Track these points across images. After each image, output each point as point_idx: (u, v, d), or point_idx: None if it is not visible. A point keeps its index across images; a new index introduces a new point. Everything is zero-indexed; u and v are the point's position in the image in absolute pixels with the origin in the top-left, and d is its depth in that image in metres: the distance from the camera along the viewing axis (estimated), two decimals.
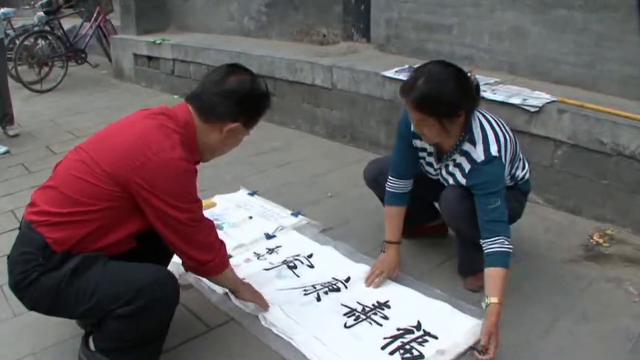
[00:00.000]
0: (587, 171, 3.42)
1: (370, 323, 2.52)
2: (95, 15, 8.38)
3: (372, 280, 2.80)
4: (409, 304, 2.64)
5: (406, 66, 4.50)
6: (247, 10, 6.81)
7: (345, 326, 2.50)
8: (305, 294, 2.73)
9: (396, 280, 2.83)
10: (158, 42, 7.11)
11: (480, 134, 2.49)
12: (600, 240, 3.20)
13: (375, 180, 3.03)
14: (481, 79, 4.04)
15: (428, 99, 2.33)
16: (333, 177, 4.23)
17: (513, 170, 2.69)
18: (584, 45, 3.78)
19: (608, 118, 3.28)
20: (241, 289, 2.55)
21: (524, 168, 2.78)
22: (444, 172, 2.67)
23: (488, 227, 2.40)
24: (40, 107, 6.91)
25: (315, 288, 2.77)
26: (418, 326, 2.48)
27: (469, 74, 2.48)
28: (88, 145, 2.15)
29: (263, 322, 2.53)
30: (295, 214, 3.59)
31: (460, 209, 2.57)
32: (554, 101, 3.53)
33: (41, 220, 2.03)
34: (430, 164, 2.75)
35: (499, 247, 2.36)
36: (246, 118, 2.21)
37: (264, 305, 2.58)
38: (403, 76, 4.26)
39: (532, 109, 3.52)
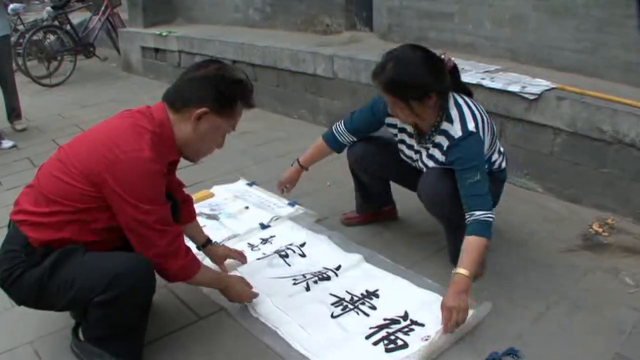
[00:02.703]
0: (587, 159, 3.36)
1: (358, 313, 2.50)
2: (103, 8, 8.43)
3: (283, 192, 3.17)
4: (398, 294, 2.61)
5: None
6: (251, 1, 6.81)
7: (332, 316, 2.48)
8: (294, 284, 2.71)
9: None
10: (164, 34, 7.12)
11: (457, 113, 2.52)
12: (600, 230, 3.14)
13: (357, 167, 3.08)
14: (482, 66, 4.04)
15: (396, 83, 2.41)
16: (333, 166, 4.17)
17: (490, 153, 2.68)
18: (585, 31, 3.71)
19: (608, 105, 3.21)
20: (226, 288, 2.49)
21: (500, 154, 2.79)
22: (424, 156, 2.70)
23: (468, 202, 2.43)
24: (48, 101, 6.97)
25: (305, 277, 2.75)
26: (405, 316, 2.46)
27: (442, 56, 2.55)
28: (68, 144, 2.18)
29: (251, 312, 2.52)
30: (291, 204, 3.57)
31: (439, 192, 2.59)
32: (553, 88, 3.47)
33: (22, 219, 2.09)
34: (410, 147, 2.78)
35: (478, 217, 2.39)
36: (214, 103, 2.16)
37: (251, 298, 2.55)
38: None
39: (531, 97, 3.46)
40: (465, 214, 2.42)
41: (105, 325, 2.11)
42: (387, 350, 2.28)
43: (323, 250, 2.98)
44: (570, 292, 2.62)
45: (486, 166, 2.60)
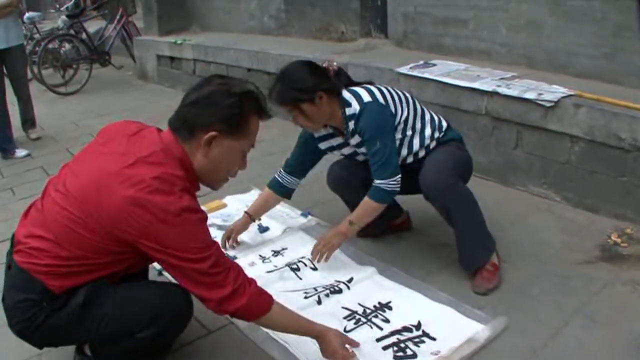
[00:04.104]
0: (605, 168, 3.28)
1: (371, 327, 2.45)
2: (118, 17, 8.48)
3: (227, 242, 3.17)
4: (411, 307, 2.56)
5: (421, 62, 4.41)
6: (266, 9, 6.80)
7: (345, 330, 2.42)
8: (305, 297, 2.67)
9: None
10: (179, 42, 7.14)
11: (351, 95, 2.70)
12: (618, 240, 3.06)
13: (339, 190, 3.18)
14: (498, 73, 3.98)
15: (283, 93, 2.62)
16: None
17: (420, 126, 2.80)
18: (603, 36, 3.64)
19: (626, 112, 3.14)
20: (321, 341, 2.18)
21: (432, 123, 2.86)
22: (358, 150, 2.82)
23: (372, 170, 2.68)
24: (63, 110, 7.02)
25: (316, 290, 2.71)
26: (417, 325, 2.42)
27: (324, 64, 2.79)
28: (75, 184, 1.93)
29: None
30: (304, 215, 3.54)
31: (437, 181, 2.66)
32: (570, 95, 3.39)
33: (42, 270, 1.91)
34: (351, 154, 2.93)
35: (375, 184, 2.67)
36: (223, 124, 1.94)
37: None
38: (417, 72, 4.19)
39: (548, 104, 3.40)
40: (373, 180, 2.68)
41: (133, 351, 2.05)
42: (395, 358, 2.25)
43: (335, 263, 2.92)
44: (587, 306, 2.55)
45: (429, 131, 2.81)
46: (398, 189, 2.67)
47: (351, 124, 2.70)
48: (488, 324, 2.40)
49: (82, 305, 1.93)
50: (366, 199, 2.71)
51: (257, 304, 2.01)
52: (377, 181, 2.66)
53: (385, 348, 2.30)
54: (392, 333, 2.38)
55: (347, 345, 2.21)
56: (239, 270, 2.00)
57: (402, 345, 2.31)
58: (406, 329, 2.41)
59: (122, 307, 1.98)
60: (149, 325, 1.97)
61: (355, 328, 2.46)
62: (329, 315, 2.54)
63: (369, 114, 2.64)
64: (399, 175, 2.66)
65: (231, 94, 1.95)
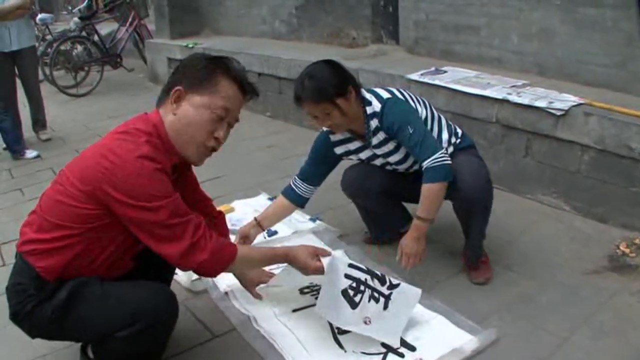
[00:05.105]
0: (615, 177, 3.26)
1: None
2: (130, 20, 8.51)
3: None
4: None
5: (432, 68, 4.41)
6: (278, 14, 6.81)
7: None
8: (301, 293, 2.67)
9: None
10: (190, 46, 7.15)
11: (370, 94, 2.72)
12: (627, 251, 3.04)
13: (354, 195, 3.16)
14: (509, 81, 3.97)
15: (318, 88, 2.55)
16: None
17: (437, 130, 2.81)
18: (614, 45, 3.62)
19: (636, 122, 3.12)
20: (292, 262, 2.26)
21: (449, 127, 2.88)
22: (380, 149, 2.79)
23: (415, 154, 2.63)
24: (74, 112, 7.05)
25: (311, 284, 2.68)
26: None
27: None
28: (66, 166, 2.03)
29: (253, 323, 2.50)
30: (313, 219, 3.54)
31: (480, 189, 2.67)
32: (580, 104, 3.38)
33: (28, 249, 1.97)
34: (372, 157, 2.88)
35: (426, 165, 2.55)
36: (188, 80, 2.01)
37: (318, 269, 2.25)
38: (428, 79, 4.18)
39: (558, 113, 3.38)
40: (420, 163, 2.58)
41: (124, 354, 2.04)
42: (344, 292, 2.30)
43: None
44: (594, 316, 2.54)
45: (446, 136, 2.81)
46: (449, 161, 2.56)
47: (373, 123, 2.69)
48: (477, 335, 2.38)
49: (66, 300, 1.95)
50: (424, 186, 2.55)
51: (220, 258, 2.04)
52: (425, 163, 2.54)
53: (347, 277, 2.32)
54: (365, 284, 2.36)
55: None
56: (200, 223, 2.00)
57: (362, 288, 2.34)
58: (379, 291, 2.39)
59: (103, 305, 1.98)
60: (130, 324, 1.95)
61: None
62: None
63: (392, 108, 2.65)
64: (444, 149, 2.62)
65: (204, 56, 2.11)
